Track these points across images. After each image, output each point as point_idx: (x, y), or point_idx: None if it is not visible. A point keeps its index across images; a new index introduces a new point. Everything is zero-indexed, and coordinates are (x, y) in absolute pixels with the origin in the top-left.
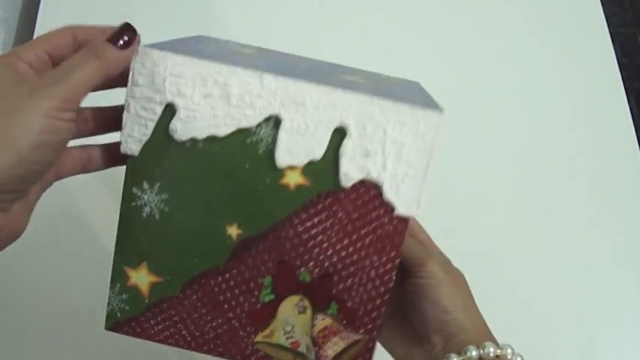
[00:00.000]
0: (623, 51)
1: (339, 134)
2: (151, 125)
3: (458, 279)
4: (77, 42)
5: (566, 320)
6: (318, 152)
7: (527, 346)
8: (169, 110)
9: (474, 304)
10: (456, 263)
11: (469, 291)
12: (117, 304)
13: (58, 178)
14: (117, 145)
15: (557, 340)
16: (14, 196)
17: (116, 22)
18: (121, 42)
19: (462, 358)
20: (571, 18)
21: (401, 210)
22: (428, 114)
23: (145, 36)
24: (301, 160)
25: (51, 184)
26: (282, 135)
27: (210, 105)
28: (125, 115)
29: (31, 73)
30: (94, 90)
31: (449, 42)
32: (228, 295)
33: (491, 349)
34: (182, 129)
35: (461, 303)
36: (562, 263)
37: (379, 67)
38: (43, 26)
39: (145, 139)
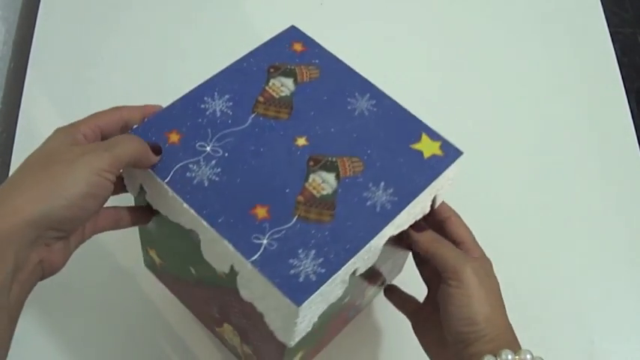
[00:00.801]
0: (623, 51)
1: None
2: None
3: (489, 286)
4: (123, 120)
5: (566, 320)
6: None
7: (528, 346)
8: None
9: (501, 310)
10: None
11: (498, 297)
12: (145, 259)
13: (95, 232)
14: (140, 207)
15: (557, 340)
16: (59, 234)
17: (114, 21)
18: (155, 148)
19: None
20: (571, 18)
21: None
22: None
23: (144, 34)
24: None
25: (89, 237)
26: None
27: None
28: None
29: (86, 142)
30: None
31: (449, 42)
32: (200, 299)
33: (509, 356)
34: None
35: (486, 313)
36: (562, 263)
37: (379, 67)
38: (43, 26)
39: None
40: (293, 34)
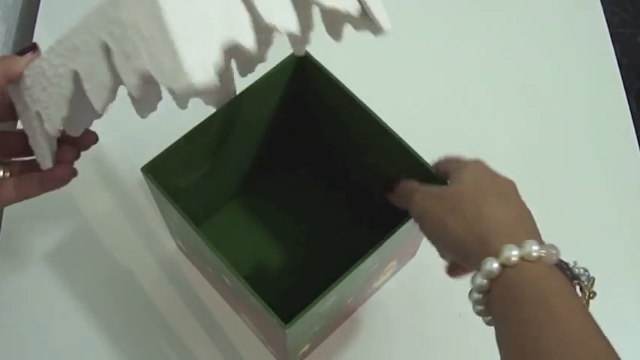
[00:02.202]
0: (623, 51)
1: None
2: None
3: (450, 196)
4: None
5: None
6: None
7: None
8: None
9: (495, 201)
10: None
11: (480, 192)
12: (175, 242)
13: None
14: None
15: None
16: None
17: None
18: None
19: (483, 271)
20: (571, 18)
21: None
22: None
23: None
24: None
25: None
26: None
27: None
28: (31, 142)
29: None
30: None
31: (449, 42)
32: (222, 286)
33: (514, 252)
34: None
35: (452, 223)
36: None
37: (380, 66)
38: (43, 25)
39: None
40: None
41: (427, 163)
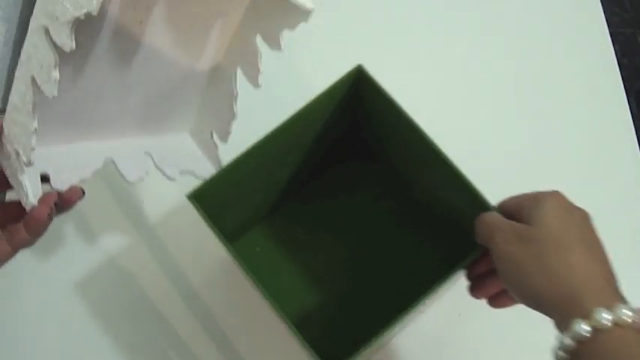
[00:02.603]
0: (623, 51)
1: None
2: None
3: (532, 240)
4: None
5: None
6: None
7: (527, 345)
8: None
9: (566, 259)
10: None
11: (559, 237)
12: None
13: None
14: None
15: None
16: None
17: None
18: None
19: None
20: (571, 18)
21: None
22: None
23: None
24: None
25: None
26: None
27: None
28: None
29: None
30: None
31: (448, 42)
32: None
33: (603, 315)
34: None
35: (532, 274)
36: None
37: (380, 66)
38: None
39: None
40: None
41: (486, 201)
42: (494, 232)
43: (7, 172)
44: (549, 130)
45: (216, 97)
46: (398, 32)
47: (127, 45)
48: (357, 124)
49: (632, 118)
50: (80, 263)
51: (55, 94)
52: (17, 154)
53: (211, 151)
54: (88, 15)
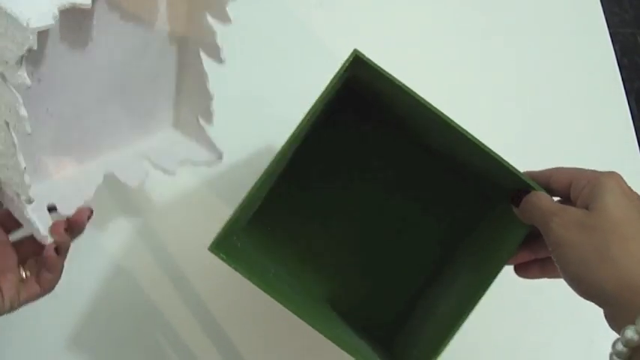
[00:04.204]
0: (623, 51)
1: None
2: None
3: (595, 228)
4: None
5: (566, 320)
6: None
7: (527, 345)
8: None
9: (632, 250)
10: None
11: (620, 227)
12: None
13: None
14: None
15: (557, 340)
16: None
17: None
18: None
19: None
20: (571, 18)
21: None
22: None
23: None
24: None
25: None
26: None
27: None
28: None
29: None
30: None
31: (448, 42)
32: None
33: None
34: None
35: (595, 265)
36: None
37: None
38: None
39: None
40: None
41: (519, 173)
42: (549, 217)
43: (16, 214)
44: (549, 130)
45: (189, 84)
46: (397, 32)
47: (82, 37)
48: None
49: (632, 118)
50: (80, 263)
51: (29, 130)
52: (17, 195)
53: (202, 136)
54: (31, 49)
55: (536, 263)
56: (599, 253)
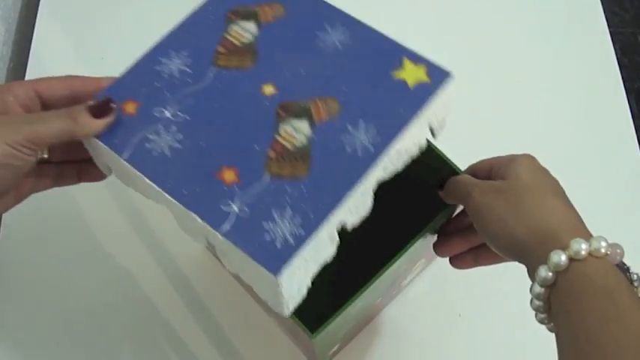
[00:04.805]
0: (623, 51)
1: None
2: None
3: (508, 190)
4: (72, 90)
5: None
6: None
7: (527, 345)
8: None
9: (552, 200)
10: None
11: (536, 188)
12: None
13: (35, 190)
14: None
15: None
16: None
17: (114, 21)
18: (99, 111)
19: (546, 267)
20: (571, 18)
21: None
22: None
23: (145, 34)
24: None
25: (29, 194)
26: None
27: None
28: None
29: (17, 106)
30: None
31: (448, 42)
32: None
33: (582, 246)
34: None
35: (511, 221)
36: None
37: None
38: (42, 26)
39: None
40: None
41: (454, 165)
42: (470, 187)
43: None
44: (549, 130)
45: None
46: (397, 32)
47: None
48: None
49: (632, 117)
50: (79, 262)
51: None
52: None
53: None
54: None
55: (470, 253)
56: (514, 209)
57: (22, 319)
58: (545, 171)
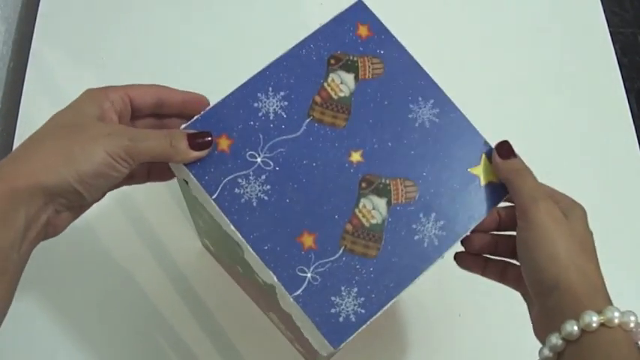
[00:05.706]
0: (623, 51)
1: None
2: None
3: (567, 229)
4: (159, 98)
5: None
6: None
7: (527, 346)
8: None
9: (588, 258)
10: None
11: (582, 244)
12: (201, 241)
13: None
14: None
15: None
16: (69, 204)
17: (115, 21)
18: (196, 143)
19: (575, 326)
20: (571, 18)
21: None
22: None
23: (146, 33)
24: None
25: (100, 199)
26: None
27: None
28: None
29: (113, 112)
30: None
31: (448, 42)
32: (249, 286)
33: (593, 318)
34: None
35: (559, 256)
36: None
37: None
38: (42, 25)
39: None
40: (359, 12)
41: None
42: (539, 195)
43: None
44: (549, 130)
45: None
46: (397, 33)
47: None
48: None
49: (632, 117)
50: (78, 262)
51: None
52: None
53: None
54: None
55: (482, 259)
56: (571, 252)
57: (21, 318)
58: (592, 232)
